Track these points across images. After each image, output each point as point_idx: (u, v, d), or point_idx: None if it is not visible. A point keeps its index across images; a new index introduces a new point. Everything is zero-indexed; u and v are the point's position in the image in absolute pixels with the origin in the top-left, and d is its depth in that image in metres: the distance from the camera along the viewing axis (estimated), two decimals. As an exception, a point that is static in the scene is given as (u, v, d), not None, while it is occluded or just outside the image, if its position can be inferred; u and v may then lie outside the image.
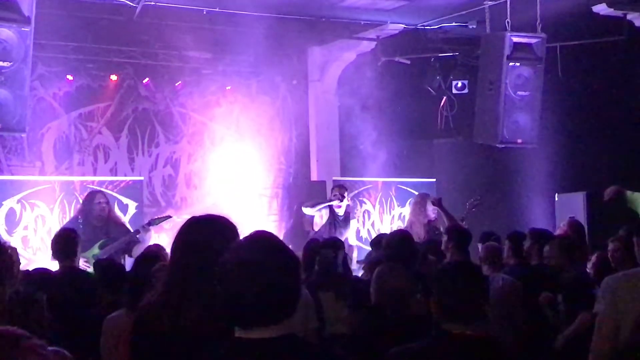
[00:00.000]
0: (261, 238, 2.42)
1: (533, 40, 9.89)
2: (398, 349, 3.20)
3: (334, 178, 11.90)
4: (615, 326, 4.23)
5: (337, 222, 10.04)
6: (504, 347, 3.24)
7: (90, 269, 7.15)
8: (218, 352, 2.35)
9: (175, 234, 3.23)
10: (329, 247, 7.14)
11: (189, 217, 3.34)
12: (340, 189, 10.26)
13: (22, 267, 5.16)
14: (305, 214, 10.25)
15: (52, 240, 6.67)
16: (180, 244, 3.17)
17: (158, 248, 5.98)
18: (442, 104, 12.32)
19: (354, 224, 10.33)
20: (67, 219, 9.68)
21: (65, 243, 6.50)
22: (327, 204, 10.08)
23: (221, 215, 3.25)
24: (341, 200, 10.04)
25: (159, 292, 3.15)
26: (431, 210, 9.91)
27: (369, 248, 10.97)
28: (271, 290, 2.26)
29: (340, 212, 10.08)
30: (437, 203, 9.80)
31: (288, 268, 2.32)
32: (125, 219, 10.31)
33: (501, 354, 3.19)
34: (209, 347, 2.39)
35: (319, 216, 10.03)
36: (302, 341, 2.39)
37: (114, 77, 11.79)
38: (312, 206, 10.09)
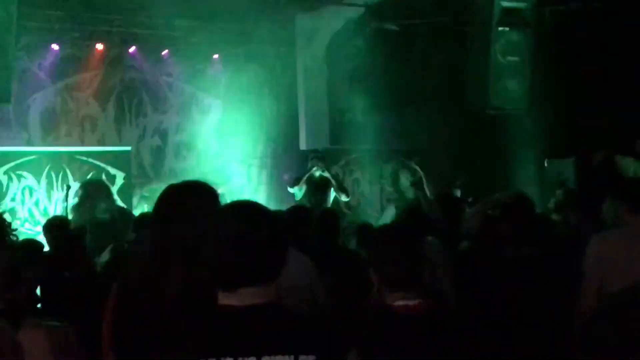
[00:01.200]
0: (246, 206, 2.46)
1: (522, 5, 9.83)
2: (345, 322, 3.12)
3: (323, 147, 11.86)
4: (599, 287, 4.30)
5: (315, 191, 10.08)
6: (450, 317, 3.11)
7: None
8: (201, 320, 2.33)
9: (155, 203, 3.18)
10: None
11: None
12: (317, 154, 10.32)
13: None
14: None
15: None
16: (159, 211, 3.13)
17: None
18: (431, 70, 12.25)
19: (331, 193, 10.32)
20: (54, 191, 9.67)
21: None
22: (307, 175, 10.14)
23: (199, 181, 3.22)
24: (320, 164, 10.10)
25: (140, 261, 3.10)
26: None
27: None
28: (258, 256, 2.30)
29: (318, 180, 10.13)
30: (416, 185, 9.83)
31: (274, 235, 2.36)
32: (114, 190, 10.28)
33: (446, 326, 3.03)
34: (192, 317, 2.36)
35: (297, 188, 10.12)
36: (287, 308, 2.38)
37: (99, 47, 11.67)
38: (297, 183, 10.18)
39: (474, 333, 3.09)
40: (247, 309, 2.29)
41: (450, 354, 2.96)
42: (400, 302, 3.01)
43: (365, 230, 6.92)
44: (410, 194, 9.86)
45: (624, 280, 4.16)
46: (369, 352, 2.68)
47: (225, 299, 2.32)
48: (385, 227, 3.54)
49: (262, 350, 2.24)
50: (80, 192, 8.87)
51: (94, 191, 8.76)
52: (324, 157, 10.45)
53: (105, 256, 6.45)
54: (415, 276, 3.05)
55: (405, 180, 10.44)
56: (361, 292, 3.93)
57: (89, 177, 10.20)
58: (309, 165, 10.31)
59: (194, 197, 3.11)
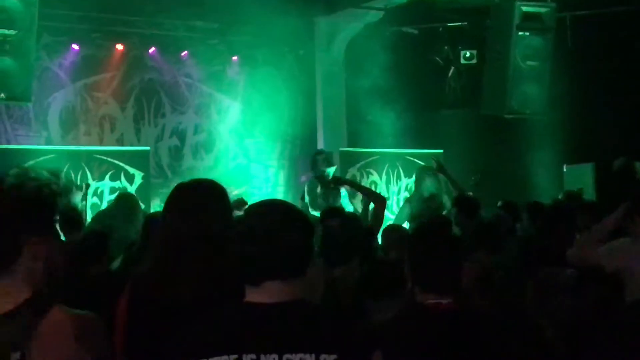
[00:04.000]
0: (277, 203, 2.51)
1: (543, 10, 9.82)
2: (370, 323, 3.12)
3: (341, 149, 11.86)
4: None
5: (327, 191, 9.84)
6: (482, 319, 3.10)
7: None
8: (224, 316, 2.33)
9: (165, 201, 3.20)
10: (331, 217, 6.85)
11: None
12: (324, 156, 10.04)
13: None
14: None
15: None
16: (170, 210, 3.15)
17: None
18: (450, 74, 12.23)
19: (343, 191, 10.12)
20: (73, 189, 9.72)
21: None
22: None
23: (208, 179, 3.27)
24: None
25: (153, 260, 3.12)
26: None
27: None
28: (286, 250, 2.32)
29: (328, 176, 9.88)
30: (440, 169, 9.61)
31: (302, 231, 2.38)
32: (132, 189, 10.31)
33: (477, 326, 3.02)
34: (213, 313, 2.37)
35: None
36: (313, 306, 2.38)
37: (119, 47, 11.72)
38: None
39: (504, 333, 3.07)
40: (271, 306, 2.30)
41: (480, 352, 2.95)
42: (432, 300, 3.02)
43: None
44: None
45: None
46: (395, 348, 2.68)
47: (251, 296, 2.34)
48: (424, 229, 3.50)
49: (284, 348, 2.25)
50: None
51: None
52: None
53: (117, 262, 6.42)
54: (450, 280, 3.04)
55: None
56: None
57: (108, 176, 10.24)
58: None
59: (205, 193, 3.15)
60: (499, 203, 8.42)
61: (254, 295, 2.33)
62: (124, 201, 7.97)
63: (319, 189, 9.80)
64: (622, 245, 4.51)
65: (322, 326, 2.33)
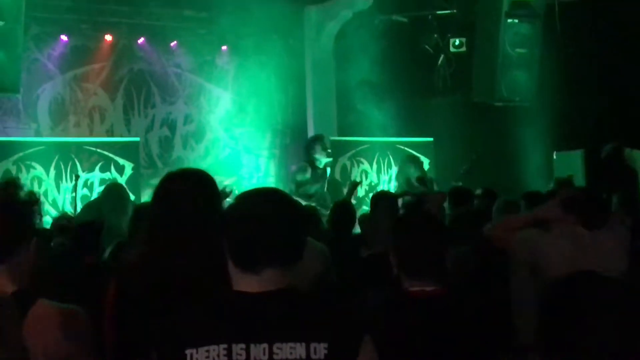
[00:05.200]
0: (269, 191, 2.49)
1: (532, -3, 9.82)
2: (360, 310, 3.13)
3: (332, 138, 11.85)
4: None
5: (318, 177, 10.06)
6: (468, 305, 3.11)
7: None
8: (213, 305, 2.33)
9: (153, 191, 3.21)
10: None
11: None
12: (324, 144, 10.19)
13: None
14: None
15: None
16: (158, 199, 3.15)
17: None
18: (439, 62, 12.23)
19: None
20: (63, 181, 9.71)
21: None
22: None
23: (197, 169, 3.29)
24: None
25: (141, 249, 3.12)
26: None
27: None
28: (282, 236, 2.30)
29: (320, 165, 10.07)
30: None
31: (296, 218, 2.36)
32: (122, 180, 10.28)
33: (462, 313, 3.03)
34: (203, 302, 2.36)
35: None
36: (301, 295, 2.38)
37: (108, 37, 11.67)
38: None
39: (485, 320, 3.08)
40: (261, 294, 2.29)
41: (463, 339, 2.97)
42: (416, 288, 3.02)
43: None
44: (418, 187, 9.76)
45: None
46: (381, 336, 2.69)
47: (241, 284, 2.32)
48: (409, 215, 3.50)
49: (274, 337, 2.24)
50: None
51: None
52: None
53: (107, 252, 6.42)
54: (434, 266, 3.05)
55: (413, 172, 10.33)
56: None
57: (98, 167, 10.21)
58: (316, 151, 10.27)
59: (193, 182, 3.15)
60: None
61: (244, 284, 2.31)
62: (113, 192, 7.95)
63: (309, 174, 9.91)
64: (533, 237, 4.44)
65: (313, 315, 2.33)
